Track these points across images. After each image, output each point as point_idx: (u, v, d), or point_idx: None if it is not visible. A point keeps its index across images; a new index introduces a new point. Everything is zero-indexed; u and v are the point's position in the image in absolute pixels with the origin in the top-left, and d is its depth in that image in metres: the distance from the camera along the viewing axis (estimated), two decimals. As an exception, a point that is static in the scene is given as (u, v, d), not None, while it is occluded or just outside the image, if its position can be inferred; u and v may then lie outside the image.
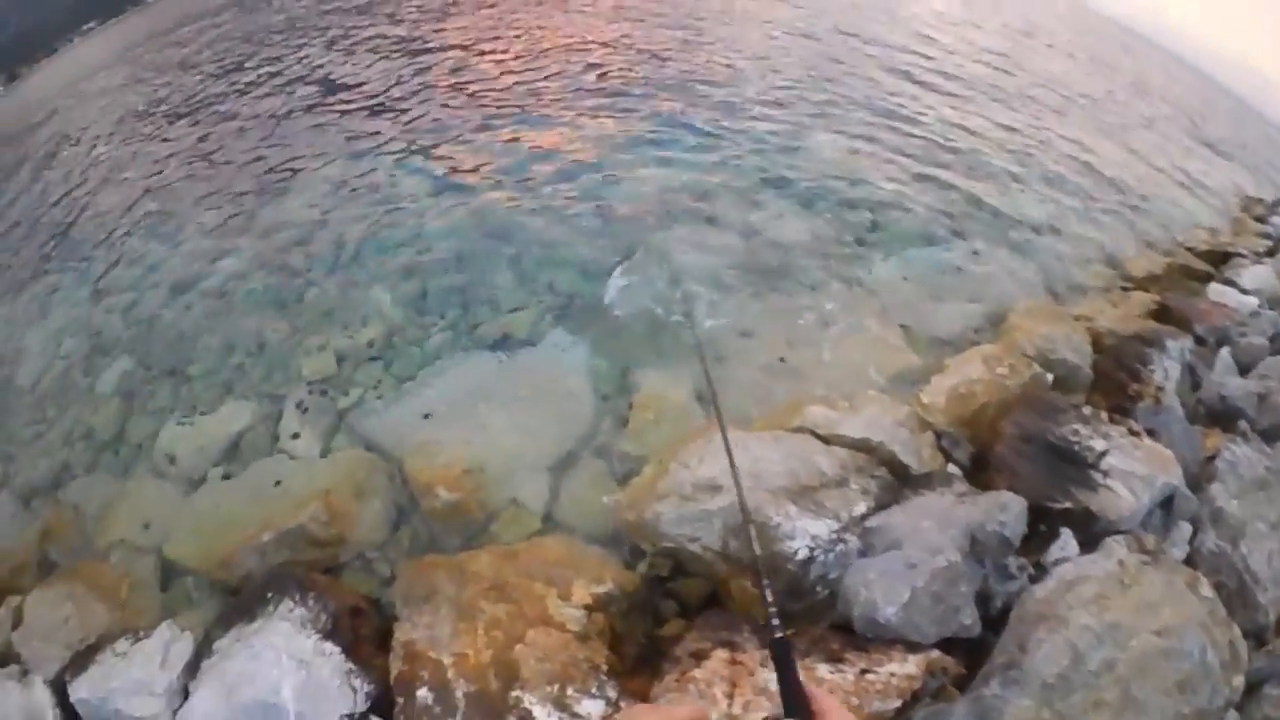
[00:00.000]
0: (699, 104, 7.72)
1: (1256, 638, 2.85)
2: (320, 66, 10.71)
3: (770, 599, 0.92)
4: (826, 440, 3.12)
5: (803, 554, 2.51)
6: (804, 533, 2.57)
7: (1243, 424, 3.86)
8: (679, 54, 9.90)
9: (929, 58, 12.22)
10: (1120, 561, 2.57)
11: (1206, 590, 2.65)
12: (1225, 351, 4.58)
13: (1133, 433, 3.28)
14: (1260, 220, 11.38)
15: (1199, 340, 4.65)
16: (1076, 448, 3.08)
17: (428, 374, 3.89)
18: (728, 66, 9.45)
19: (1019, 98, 11.47)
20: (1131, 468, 3.02)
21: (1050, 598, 2.36)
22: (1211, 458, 3.46)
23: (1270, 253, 8.72)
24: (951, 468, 3.12)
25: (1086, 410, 3.40)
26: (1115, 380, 3.89)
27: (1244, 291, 6.08)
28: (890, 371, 3.86)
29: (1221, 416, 3.94)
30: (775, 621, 0.88)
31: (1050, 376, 3.78)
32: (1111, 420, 3.36)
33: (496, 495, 3.17)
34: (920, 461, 3.07)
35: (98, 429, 4.08)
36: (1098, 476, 2.96)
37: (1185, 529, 3.01)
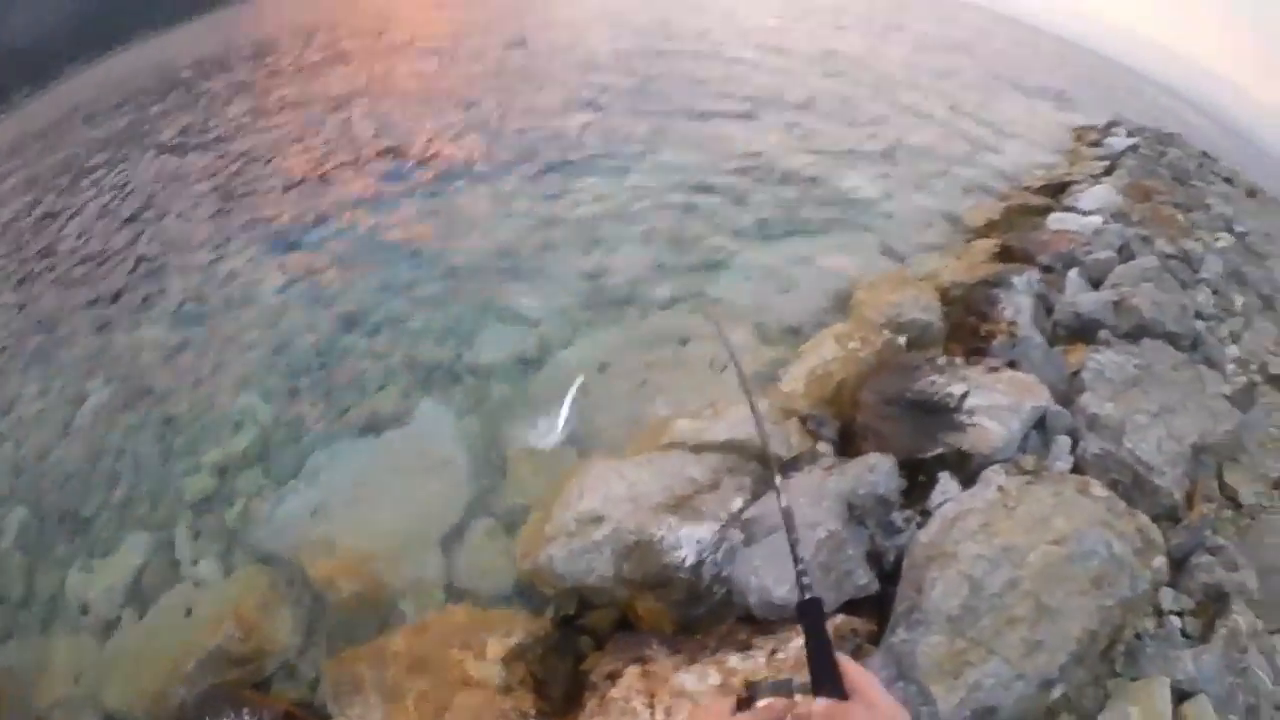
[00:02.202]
0: (529, 146, 9.90)
1: (1169, 518, 3.84)
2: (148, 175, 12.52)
3: (798, 557, 1.15)
4: (696, 450, 3.98)
5: (691, 559, 3.27)
6: (689, 540, 3.34)
7: (1103, 333, 5.13)
8: (501, 97, 12.48)
9: (747, 62, 15.40)
10: (1000, 488, 3.39)
11: (1099, 491, 3.54)
12: (1074, 272, 5.99)
13: (991, 369, 4.31)
14: (1095, 144, 14.49)
15: (1046, 269, 6.06)
16: (936, 397, 4.00)
17: (307, 470, 4.94)
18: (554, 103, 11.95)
19: (849, 79, 14.34)
20: (995, 401, 3.97)
21: (935, 539, 3.10)
22: (1077, 371, 4.55)
23: (1108, 171, 11.20)
24: (821, 446, 4.03)
25: (941, 361, 4.41)
26: (967, 327, 5.03)
27: (1085, 213, 7.87)
28: (748, 371, 4.82)
29: (1081, 332, 5.20)
30: (805, 580, 1.08)
31: (903, 339, 4.86)
32: (968, 363, 4.37)
33: (397, 576, 4.13)
34: (789, 447, 3.98)
35: (7, 589, 4.97)
36: (963, 418, 3.86)
37: (1064, 442, 3.97)
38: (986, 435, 3.75)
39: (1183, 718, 3.22)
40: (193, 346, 6.73)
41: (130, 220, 10.62)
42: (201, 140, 13.65)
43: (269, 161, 11.36)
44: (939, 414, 3.91)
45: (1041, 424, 4.02)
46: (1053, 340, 5.08)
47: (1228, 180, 17.18)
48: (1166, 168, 13.59)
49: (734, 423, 4.11)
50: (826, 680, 0.94)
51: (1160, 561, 3.39)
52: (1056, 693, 2.81)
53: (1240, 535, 4.59)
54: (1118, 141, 14.99)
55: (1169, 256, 7.24)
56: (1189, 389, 4.79)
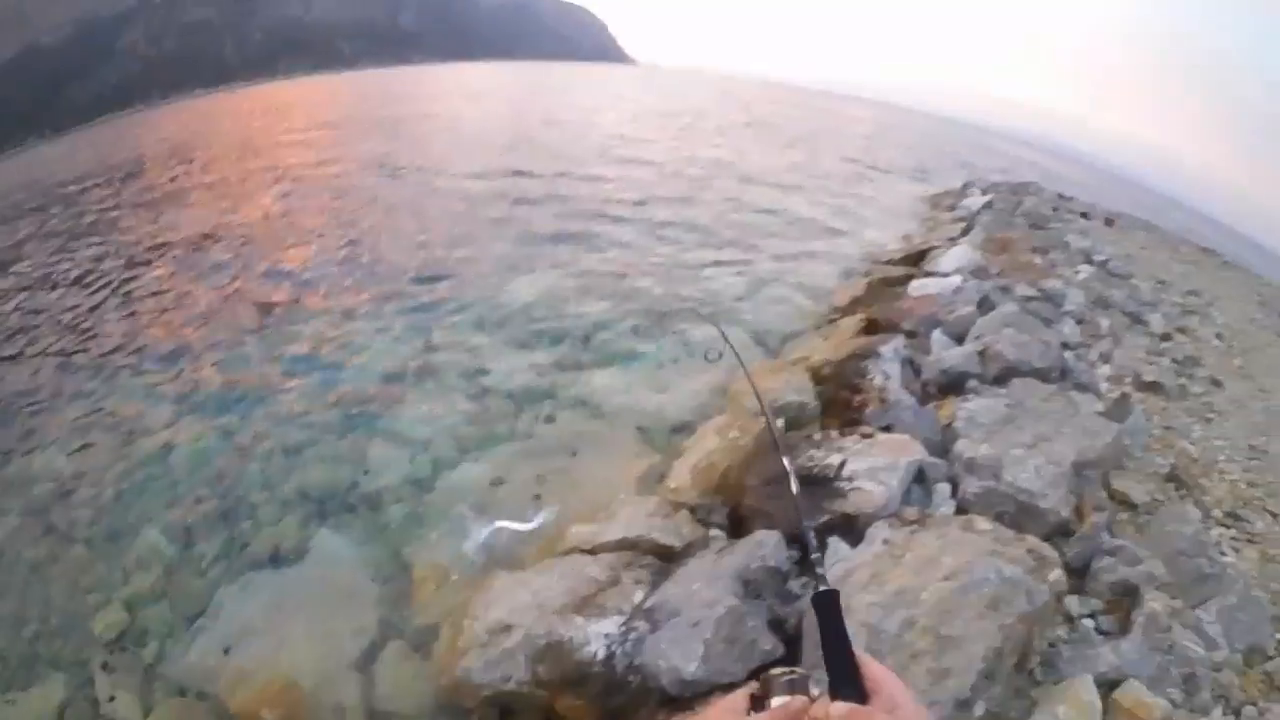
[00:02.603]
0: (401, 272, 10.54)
1: (1062, 533, 4.30)
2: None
3: (814, 544, 1.21)
4: (593, 551, 4.37)
5: (602, 654, 3.55)
6: (596, 636, 3.63)
7: (971, 383, 5.71)
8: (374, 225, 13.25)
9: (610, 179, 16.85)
10: (886, 540, 3.79)
11: (984, 525, 3.97)
12: (937, 332, 6.65)
13: (865, 436, 4.79)
14: (951, 208, 15.87)
15: (911, 334, 6.69)
16: (815, 470, 4.43)
17: (215, 604, 5.08)
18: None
19: (701, 180, 15.72)
20: (872, 464, 4.42)
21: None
22: (950, 423, 5.07)
23: (965, 231, 12.31)
24: (713, 532, 4.45)
25: (818, 436, 4.87)
26: (840, 401, 5.53)
27: (945, 275, 8.68)
28: (636, 472, 5.55)
29: (950, 386, 5.78)
30: (820, 571, 1.09)
31: (781, 421, 5.30)
32: (843, 434, 4.84)
33: (319, 704, 4.28)
34: (681, 538, 4.38)
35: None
36: (843, 484, 4.28)
37: (944, 489, 4.42)
38: (868, 496, 4.16)
39: (1117, 704, 3.58)
40: (88, 479, 6.84)
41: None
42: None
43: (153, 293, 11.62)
44: (820, 485, 4.32)
45: (921, 477, 4.46)
46: (924, 398, 5.61)
47: (1084, 215, 18.88)
48: (1023, 216, 14.94)
49: (627, 522, 4.53)
50: (845, 679, 0.93)
51: (1057, 574, 3.80)
52: (978, 710, 3.10)
53: (1140, 531, 5.12)
54: (973, 202, 16.44)
55: (1030, 299, 8.04)
56: (1062, 415, 5.35)
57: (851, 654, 0.95)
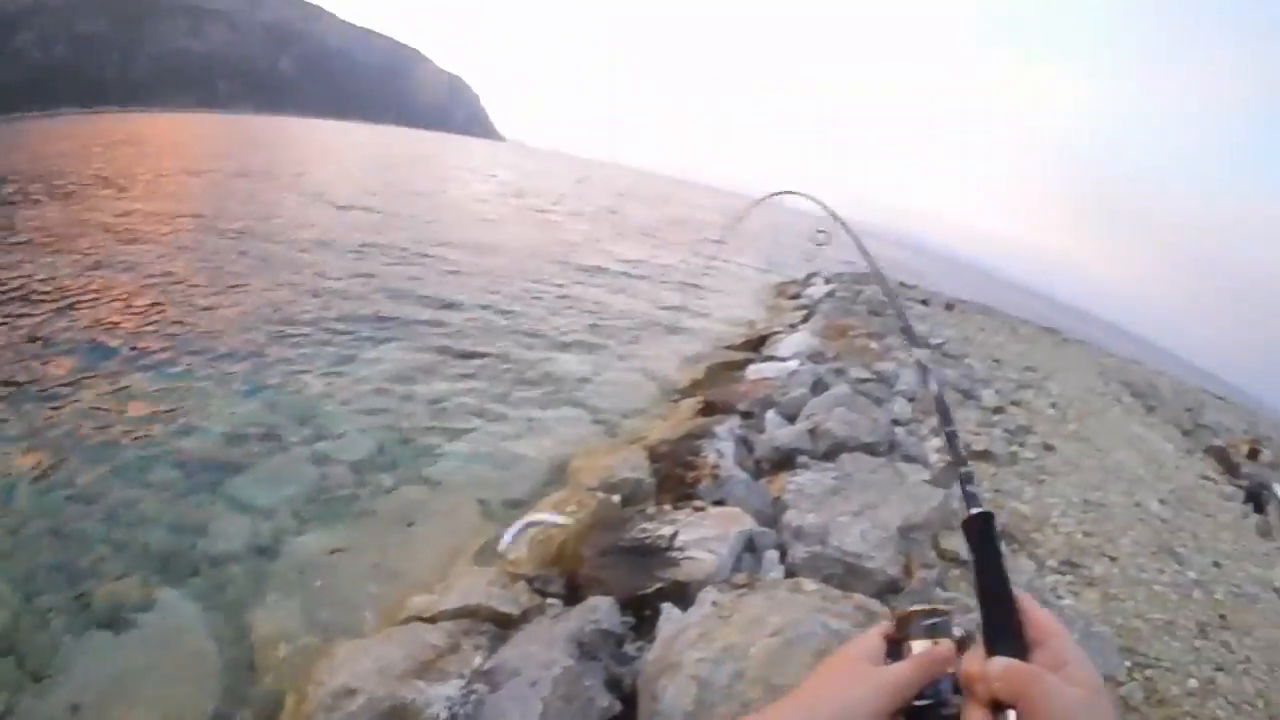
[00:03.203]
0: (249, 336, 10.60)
1: (891, 590, 4.80)
2: None
3: (964, 456, 1.05)
4: (433, 619, 4.56)
5: (445, 715, 3.72)
6: (438, 698, 3.80)
7: (802, 458, 6.28)
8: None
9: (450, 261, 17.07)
10: (714, 603, 4.16)
11: (810, 586, 4.39)
12: (771, 412, 7.24)
13: (697, 509, 5.23)
14: (795, 297, 17.05)
15: (746, 415, 7.25)
16: (648, 541, 4.81)
17: (58, 663, 4.99)
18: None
19: (551, 264, 16.42)
20: (704, 534, 4.84)
21: (661, 655, 3.78)
22: (779, 496, 5.61)
23: (806, 318, 13.29)
24: (550, 601, 4.72)
25: (651, 510, 5.29)
26: (675, 477, 5.97)
27: (783, 359, 9.41)
28: (476, 544, 5.81)
29: (782, 462, 6.34)
30: (970, 489, 0.96)
31: (617, 497, 5.73)
32: (676, 508, 5.28)
33: None
34: (519, 606, 4.64)
35: None
36: (675, 554, 4.67)
37: (772, 555, 4.88)
38: (699, 564, 4.56)
39: None
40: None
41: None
42: None
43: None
44: (653, 555, 4.71)
45: (751, 546, 4.90)
46: (757, 474, 6.17)
47: (924, 302, 20.53)
48: (863, 304, 16.20)
49: (466, 590, 4.78)
50: (1003, 626, 0.81)
51: (886, 625, 4.31)
52: None
53: (973, 585, 5.77)
54: (816, 290, 17.73)
55: (864, 380, 8.84)
56: (889, 484, 5.96)
57: (1011, 594, 0.83)
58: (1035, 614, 0.83)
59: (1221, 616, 8.62)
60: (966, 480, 0.99)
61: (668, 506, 5.34)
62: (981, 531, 0.90)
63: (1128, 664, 6.10)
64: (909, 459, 6.88)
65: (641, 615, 4.34)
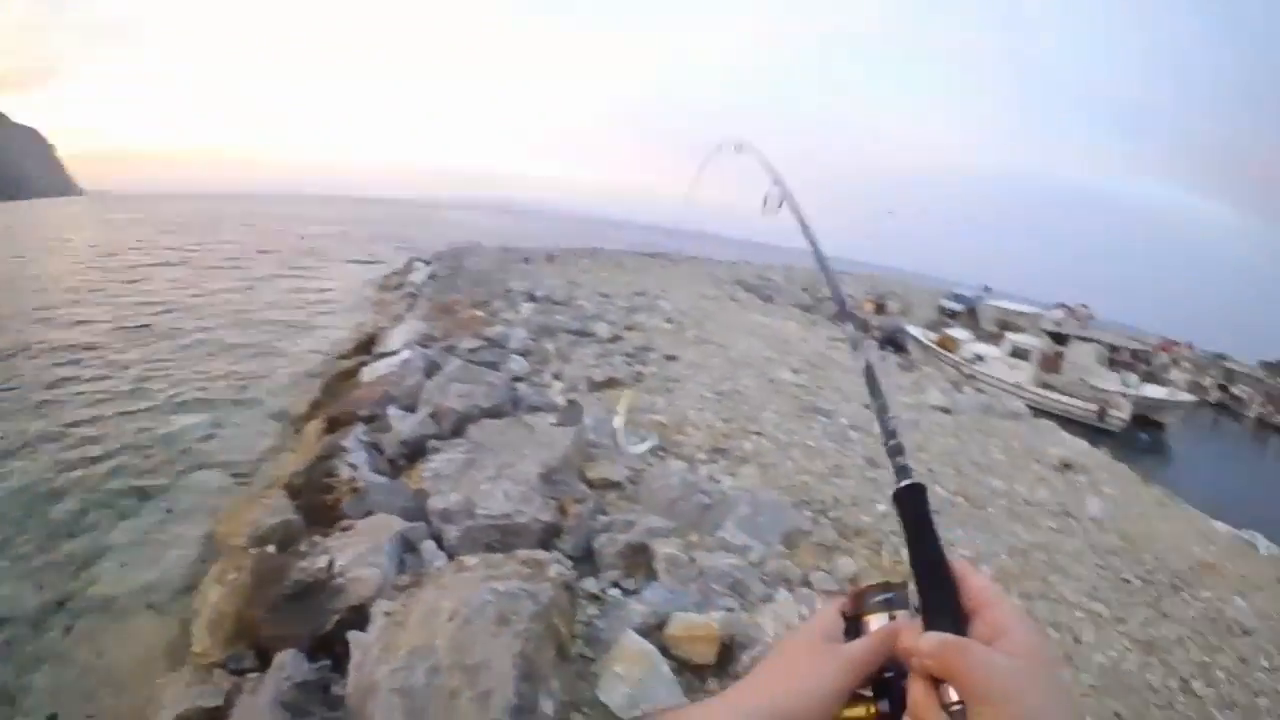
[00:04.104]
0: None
1: (554, 534, 5.13)
2: None
3: (894, 430, 1.00)
4: None
5: None
6: None
7: (431, 443, 6.26)
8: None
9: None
10: (386, 613, 4.03)
11: (471, 560, 4.37)
12: (392, 408, 7.08)
13: (345, 529, 5.03)
14: (399, 287, 16.75)
15: (369, 419, 7.01)
16: (308, 580, 4.54)
17: None
18: None
19: (145, 322, 15.31)
20: (359, 551, 4.65)
21: (356, 682, 3.62)
22: (420, 487, 5.54)
23: (411, 306, 13.13)
24: (250, 675, 4.34)
25: (304, 547, 4.99)
26: (318, 505, 5.67)
27: (394, 353, 9.20)
28: (161, 650, 5.43)
29: (414, 453, 6.27)
30: (901, 461, 0.93)
31: (271, 547, 5.33)
32: (326, 536, 5.03)
33: None
34: (222, 695, 4.24)
35: None
36: (340, 581, 4.46)
37: (429, 546, 4.85)
38: (364, 582, 4.38)
39: (672, 638, 4.32)
40: None
41: None
42: None
43: None
44: (319, 591, 4.47)
45: (409, 545, 4.84)
46: (395, 473, 6.05)
47: (526, 260, 21.04)
48: (464, 278, 16.26)
49: (172, 704, 4.33)
50: (938, 599, 0.80)
51: (557, 569, 4.35)
52: (547, 707, 3.52)
53: (633, 500, 6.07)
54: (417, 276, 17.54)
55: (476, 350, 8.91)
56: (521, 440, 6.07)
57: (945, 565, 0.82)
58: (972, 582, 0.80)
59: None
60: (895, 452, 0.96)
61: (318, 538, 5.09)
62: (913, 503, 0.87)
63: (809, 514, 6.69)
64: (534, 409, 7.05)
65: (334, 654, 4.12)
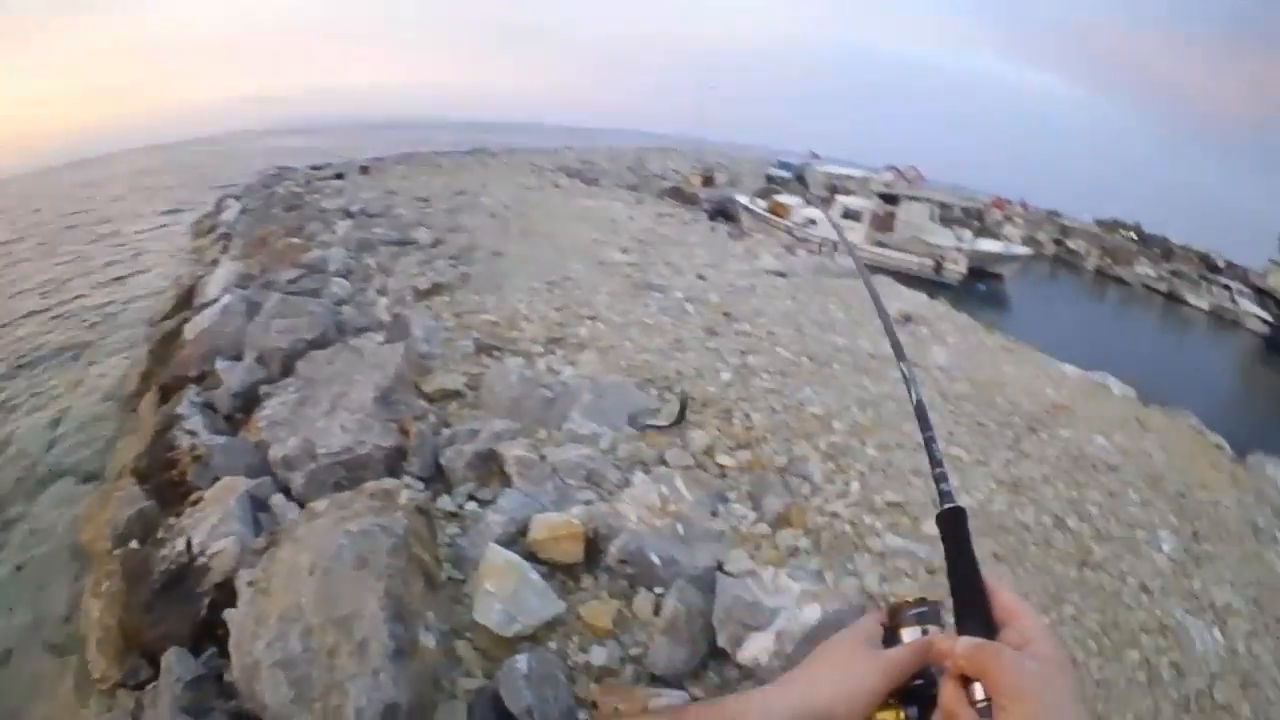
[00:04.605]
0: None
1: (400, 458, 5.06)
2: None
3: (939, 458, 1.11)
4: None
5: None
6: None
7: (264, 389, 6.05)
8: None
9: None
10: (250, 583, 3.93)
11: (321, 504, 4.27)
12: (218, 360, 6.72)
13: (195, 503, 4.84)
14: (212, 230, 15.82)
15: (199, 378, 6.68)
16: (173, 568, 4.36)
17: None
18: None
19: None
20: (211, 523, 4.47)
21: (238, 664, 3.57)
22: (259, 440, 5.39)
23: (226, 248, 12.44)
24: (146, 688, 4.05)
25: (162, 535, 4.77)
26: (166, 482, 5.42)
27: (215, 301, 8.72)
28: (68, 687, 4.93)
29: (249, 403, 6.05)
30: (944, 488, 1.02)
31: (134, 543, 5.05)
32: (180, 514, 4.83)
33: None
34: (128, 715, 3.98)
35: None
36: (202, 560, 4.30)
37: (279, 500, 4.73)
38: (224, 555, 4.23)
39: (535, 542, 4.38)
40: None
41: None
42: None
43: None
44: (186, 576, 4.29)
45: (262, 504, 4.71)
46: (235, 429, 5.81)
47: (339, 176, 20.15)
48: (278, 205, 15.45)
49: None
50: (971, 609, 0.89)
51: (407, 494, 4.30)
52: (428, 640, 3.60)
53: (475, 406, 6.03)
54: (230, 215, 16.51)
55: (294, 280, 8.54)
56: (351, 367, 5.91)
57: (980, 581, 0.91)
58: (1002, 597, 0.89)
59: (726, 315, 9.89)
60: (941, 479, 1.04)
61: (173, 519, 4.86)
62: (955, 525, 0.96)
63: (655, 392, 6.76)
64: (361, 330, 6.89)
65: (217, 638, 3.94)
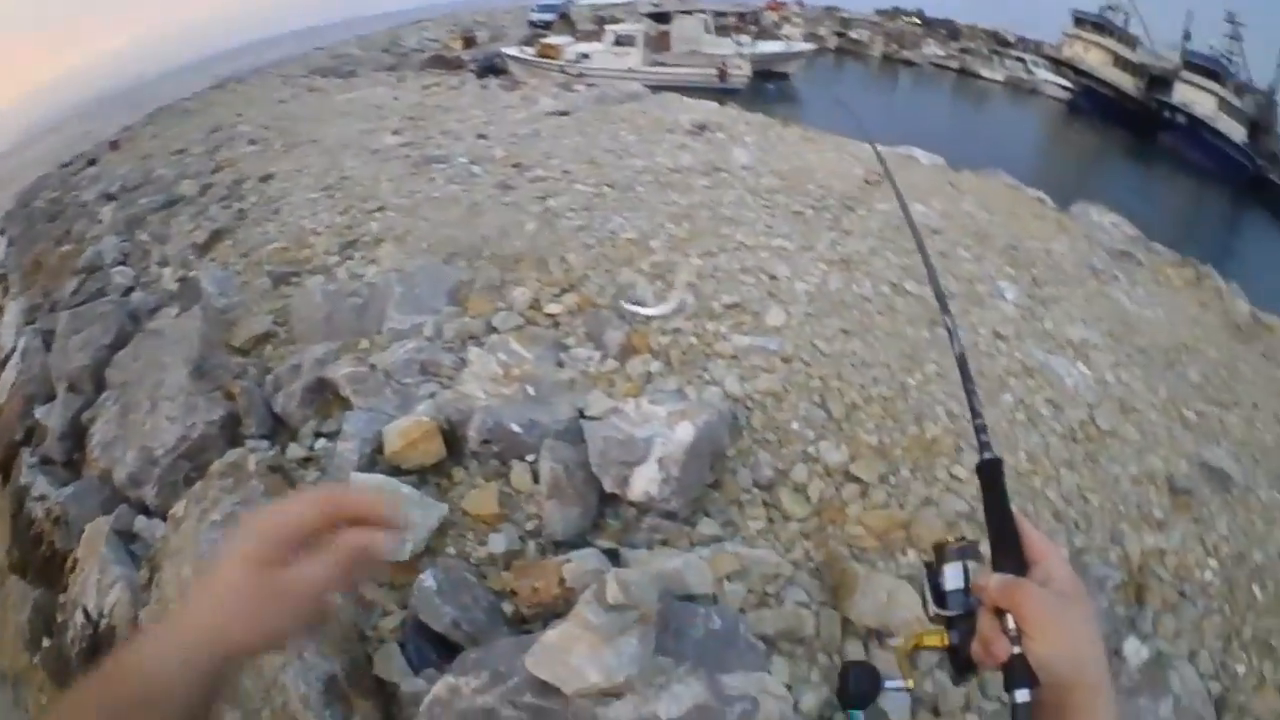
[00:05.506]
0: None
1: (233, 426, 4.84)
2: None
3: (980, 410, 1.15)
4: None
5: None
6: None
7: (84, 416, 5.63)
8: None
9: None
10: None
11: (182, 508, 4.08)
12: (37, 409, 6.19)
13: (72, 568, 4.51)
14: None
15: (27, 440, 6.03)
16: (86, 648, 4.06)
17: None
18: None
19: None
20: (93, 579, 4.16)
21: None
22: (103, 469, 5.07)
23: (5, 291, 11.38)
24: None
25: (61, 619, 4.43)
26: (42, 560, 5.09)
27: (12, 351, 7.98)
28: None
29: (78, 436, 5.60)
30: (984, 438, 1.08)
31: (46, 640, 4.62)
32: (67, 589, 4.46)
33: None
34: None
35: None
36: (105, 624, 4.01)
37: (142, 521, 4.53)
38: (120, 606, 4.06)
39: (398, 455, 4.19)
40: None
41: None
42: None
43: None
44: (101, 648, 4.02)
45: (129, 536, 4.50)
46: (78, 470, 5.47)
47: (91, 162, 18.35)
48: (40, 220, 13.98)
49: None
50: (1006, 549, 0.96)
51: (254, 459, 4.18)
52: (334, 597, 3.56)
53: (290, 340, 5.80)
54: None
55: (75, 291, 7.87)
56: (157, 352, 5.45)
57: (1014, 524, 0.97)
58: (1032, 538, 0.95)
59: (516, 166, 9.48)
60: (980, 430, 1.11)
61: (62, 596, 4.64)
62: (993, 474, 1.01)
63: (464, 264, 6.38)
64: (155, 311, 6.51)
65: None
